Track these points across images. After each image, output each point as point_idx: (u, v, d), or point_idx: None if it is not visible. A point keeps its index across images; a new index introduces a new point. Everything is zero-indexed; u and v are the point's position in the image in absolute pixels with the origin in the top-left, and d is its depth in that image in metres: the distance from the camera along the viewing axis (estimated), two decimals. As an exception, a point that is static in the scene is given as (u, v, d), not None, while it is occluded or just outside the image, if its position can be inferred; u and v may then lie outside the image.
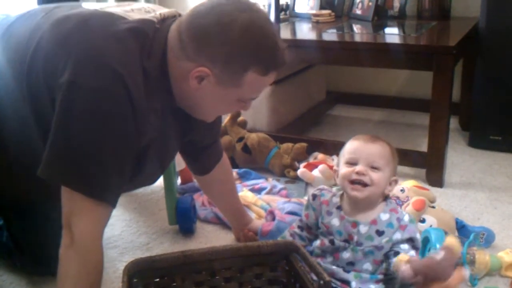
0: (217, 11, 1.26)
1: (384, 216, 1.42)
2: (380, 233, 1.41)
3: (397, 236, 1.41)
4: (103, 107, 1.21)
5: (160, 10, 1.41)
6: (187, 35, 1.28)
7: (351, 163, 1.43)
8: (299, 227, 1.59)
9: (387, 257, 1.41)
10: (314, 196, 1.54)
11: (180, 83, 1.33)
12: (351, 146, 1.45)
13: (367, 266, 1.42)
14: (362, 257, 1.42)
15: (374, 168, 1.41)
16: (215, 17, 1.25)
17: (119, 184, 1.30)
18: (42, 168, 1.25)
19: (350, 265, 1.43)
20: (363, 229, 1.42)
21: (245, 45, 1.26)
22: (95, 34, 1.27)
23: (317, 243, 1.51)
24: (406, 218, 1.43)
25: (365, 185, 1.40)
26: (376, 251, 1.41)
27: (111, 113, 1.22)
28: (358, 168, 1.40)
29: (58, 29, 1.32)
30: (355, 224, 1.43)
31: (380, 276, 1.43)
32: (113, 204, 1.31)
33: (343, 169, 1.43)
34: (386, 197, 1.47)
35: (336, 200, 1.50)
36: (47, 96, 1.28)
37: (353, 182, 1.41)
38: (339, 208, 1.48)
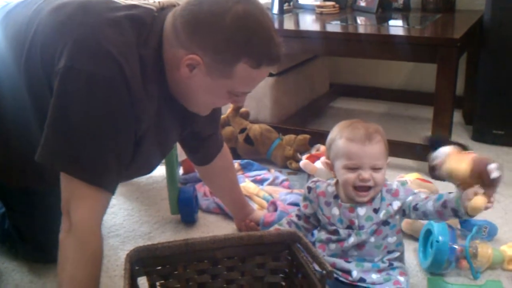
0: (210, 0, 1.25)
1: (377, 194, 1.45)
2: (376, 210, 1.45)
3: (397, 204, 1.44)
4: (100, 92, 1.21)
5: None
6: (181, 22, 1.27)
7: (352, 168, 1.42)
8: (297, 215, 1.60)
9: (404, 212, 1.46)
10: (310, 189, 1.55)
11: (173, 71, 1.32)
12: (349, 150, 1.42)
13: (372, 241, 1.45)
14: (366, 237, 1.44)
15: (376, 169, 1.41)
16: (209, 5, 1.24)
17: (118, 171, 1.30)
18: (39, 153, 1.25)
19: (355, 248, 1.45)
20: (361, 211, 1.44)
21: (237, 35, 1.24)
22: (93, 20, 1.27)
23: (321, 233, 1.52)
24: (394, 185, 1.47)
25: (369, 188, 1.42)
26: (377, 226, 1.44)
27: (109, 98, 1.22)
28: (363, 175, 1.41)
29: (56, 15, 1.31)
30: (353, 209, 1.45)
31: (382, 265, 1.44)
32: (111, 191, 1.30)
33: (345, 175, 1.43)
34: None
35: (332, 189, 1.51)
36: (45, 82, 1.28)
37: (357, 187, 1.42)
38: (336, 197, 1.49)
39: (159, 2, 1.38)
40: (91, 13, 1.29)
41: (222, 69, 1.28)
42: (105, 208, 1.32)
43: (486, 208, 1.28)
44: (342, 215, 1.46)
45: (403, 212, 1.46)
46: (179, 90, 1.37)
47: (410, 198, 1.44)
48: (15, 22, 1.40)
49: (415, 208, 1.42)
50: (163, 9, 1.37)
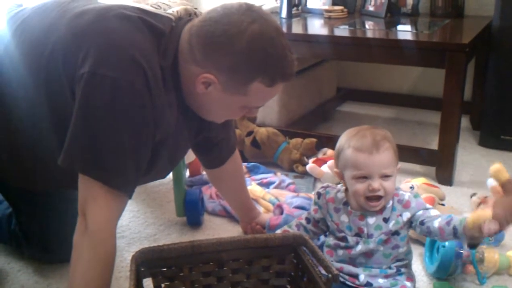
0: (227, 19, 1.25)
1: (388, 203, 1.44)
2: (386, 220, 1.43)
3: (407, 215, 1.43)
4: (122, 96, 1.22)
5: (177, 7, 1.41)
6: (197, 41, 1.28)
7: (361, 177, 1.41)
8: (306, 218, 1.59)
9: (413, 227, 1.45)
10: (319, 195, 1.54)
11: (189, 85, 1.34)
12: (357, 160, 1.40)
13: (381, 249, 1.44)
14: (374, 246, 1.43)
15: (385, 177, 1.40)
16: (224, 26, 1.25)
17: (136, 175, 1.31)
18: (62, 157, 1.26)
19: (363, 256, 1.44)
20: (371, 220, 1.43)
21: (252, 56, 1.25)
22: (114, 26, 1.28)
23: (330, 238, 1.51)
24: (406, 196, 1.45)
25: (380, 197, 1.41)
26: (386, 236, 1.43)
27: (130, 102, 1.23)
28: (372, 185, 1.39)
29: (76, 22, 1.32)
30: (363, 217, 1.44)
31: (390, 271, 1.43)
32: (129, 194, 1.31)
33: (355, 185, 1.41)
34: None
35: (341, 196, 1.50)
36: (67, 87, 1.28)
37: (368, 197, 1.41)
38: (346, 204, 1.48)
39: (177, 11, 1.39)
40: (112, 19, 1.29)
41: (237, 87, 1.30)
42: (121, 211, 1.33)
43: (490, 232, 1.25)
44: (352, 223, 1.45)
45: (410, 223, 1.45)
46: (194, 102, 1.39)
47: (420, 212, 1.43)
48: (32, 30, 1.40)
49: (422, 222, 1.41)
50: (180, 19, 1.38)
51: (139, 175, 1.32)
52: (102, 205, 1.26)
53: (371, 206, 1.41)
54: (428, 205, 1.46)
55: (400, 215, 1.43)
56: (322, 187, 1.56)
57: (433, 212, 1.43)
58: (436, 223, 1.37)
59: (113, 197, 1.26)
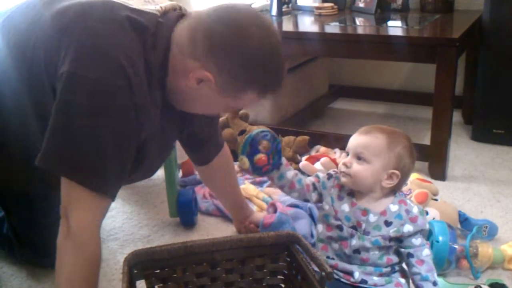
0: (234, 22, 1.25)
1: (393, 207, 1.42)
2: (388, 223, 1.40)
3: (409, 228, 1.40)
4: (103, 99, 1.20)
5: (161, 3, 1.40)
6: (203, 37, 1.26)
7: (347, 153, 1.45)
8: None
9: (399, 253, 1.44)
10: (330, 176, 1.52)
11: (178, 78, 1.32)
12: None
13: (374, 254, 1.42)
14: (369, 246, 1.41)
15: (360, 159, 1.40)
16: (232, 29, 1.24)
17: (119, 177, 1.29)
18: (40, 158, 1.24)
19: (356, 253, 1.43)
20: (372, 218, 1.41)
21: (255, 67, 1.26)
22: (97, 24, 1.25)
23: (322, 231, 1.50)
24: (415, 210, 1.42)
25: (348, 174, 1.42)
26: (382, 240, 1.40)
27: (111, 104, 1.21)
28: (344, 159, 1.43)
29: (58, 19, 1.30)
30: (366, 212, 1.42)
31: (385, 270, 1.43)
32: (111, 197, 1.29)
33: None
34: (394, 191, 1.45)
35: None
36: (48, 85, 1.27)
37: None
38: (350, 194, 1.47)
39: (161, 7, 1.37)
40: (94, 17, 1.27)
41: (232, 91, 1.30)
42: (104, 213, 1.31)
43: None
44: (352, 214, 1.43)
45: (400, 240, 1.42)
46: (179, 95, 1.37)
47: (419, 240, 1.41)
48: (15, 27, 1.39)
49: (409, 255, 1.42)
50: (166, 13, 1.37)
51: (123, 177, 1.31)
52: (84, 207, 1.24)
53: (341, 175, 1.44)
54: (427, 227, 1.43)
55: (403, 225, 1.40)
56: (335, 170, 1.55)
57: (424, 252, 1.40)
58: (413, 276, 1.40)
59: (95, 199, 1.25)
